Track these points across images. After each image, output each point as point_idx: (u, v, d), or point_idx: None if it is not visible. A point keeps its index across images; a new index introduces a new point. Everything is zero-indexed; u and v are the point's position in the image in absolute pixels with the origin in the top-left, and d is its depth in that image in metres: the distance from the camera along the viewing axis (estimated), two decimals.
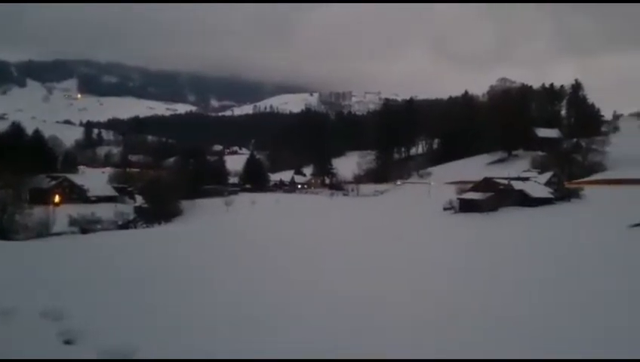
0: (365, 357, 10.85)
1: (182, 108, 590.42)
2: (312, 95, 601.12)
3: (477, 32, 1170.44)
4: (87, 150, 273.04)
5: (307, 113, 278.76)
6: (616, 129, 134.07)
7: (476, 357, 11.28)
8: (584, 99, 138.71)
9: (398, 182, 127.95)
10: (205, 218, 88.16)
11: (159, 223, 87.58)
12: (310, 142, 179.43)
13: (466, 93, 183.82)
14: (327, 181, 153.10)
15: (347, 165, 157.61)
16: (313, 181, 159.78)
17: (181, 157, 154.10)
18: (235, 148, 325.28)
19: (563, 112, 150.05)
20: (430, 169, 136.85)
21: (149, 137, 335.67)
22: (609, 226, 48.47)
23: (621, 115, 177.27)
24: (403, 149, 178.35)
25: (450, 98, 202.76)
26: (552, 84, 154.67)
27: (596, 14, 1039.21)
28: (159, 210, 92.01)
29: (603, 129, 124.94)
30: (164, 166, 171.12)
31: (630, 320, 18.03)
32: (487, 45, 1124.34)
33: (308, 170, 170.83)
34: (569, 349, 11.97)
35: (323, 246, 45.76)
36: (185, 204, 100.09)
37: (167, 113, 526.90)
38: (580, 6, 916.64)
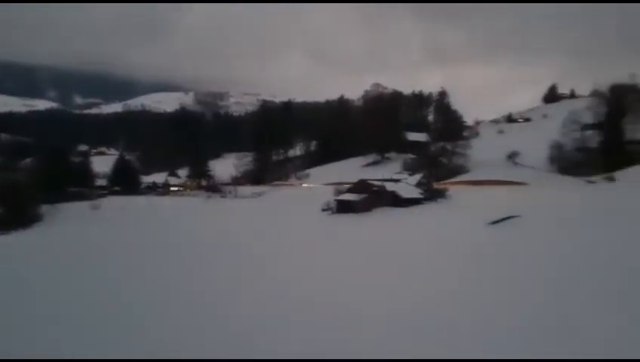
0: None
1: (42, 105, 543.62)
2: (187, 94, 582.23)
3: (353, 38, 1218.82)
4: None
5: (182, 112, 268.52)
6: (477, 134, 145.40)
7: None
8: (449, 105, 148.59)
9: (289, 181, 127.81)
10: (68, 224, 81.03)
11: (15, 230, 79.12)
12: (185, 143, 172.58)
13: (342, 97, 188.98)
14: (204, 183, 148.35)
15: (224, 167, 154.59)
16: (189, 183, 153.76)
17: (40, 158, 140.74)
18: (103, 148, 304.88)
19: (430, 118, 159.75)
20: (308, 171, 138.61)
21: (3, 135, 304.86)
22: (471, 224, 52.15)
23: (482, 121, 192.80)
24: (281, 151, 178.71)
25: (327, 101, 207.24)
26: (420, 91, 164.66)
27: (463, 27, 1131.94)
28: (14, 216, 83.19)
29: (465, 134, 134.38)
30: (20, 167, 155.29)
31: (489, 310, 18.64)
32: (362, 51, 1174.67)
33: (183, 172, 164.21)
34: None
35: (195, 251, 43.79)
36: (46, 208, 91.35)
37: (25, 110, 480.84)
38: (448, 19, 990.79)
